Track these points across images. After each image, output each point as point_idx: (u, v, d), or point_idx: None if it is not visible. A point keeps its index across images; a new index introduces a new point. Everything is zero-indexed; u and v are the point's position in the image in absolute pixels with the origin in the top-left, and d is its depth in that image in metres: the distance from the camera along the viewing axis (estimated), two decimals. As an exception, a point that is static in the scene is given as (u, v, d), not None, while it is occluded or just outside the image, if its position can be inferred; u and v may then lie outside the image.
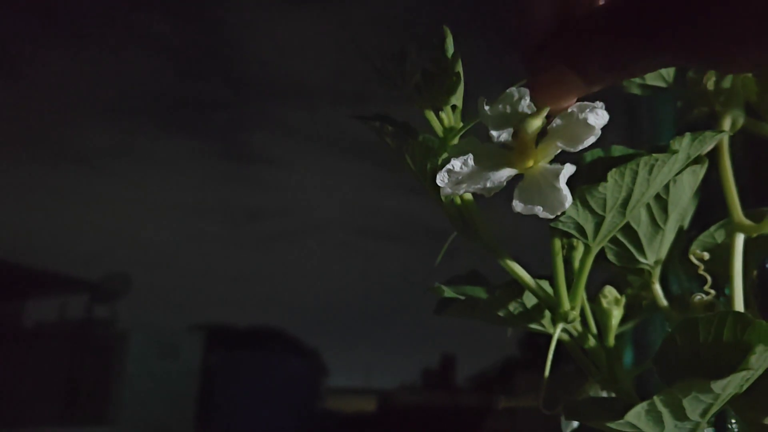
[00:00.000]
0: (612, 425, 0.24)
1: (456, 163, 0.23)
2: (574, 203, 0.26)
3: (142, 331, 5.63)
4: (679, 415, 0.24)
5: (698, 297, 0.34)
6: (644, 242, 0.33)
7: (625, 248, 0.33)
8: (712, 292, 0.34)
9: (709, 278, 0.34)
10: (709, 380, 0.23)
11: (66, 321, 5.99)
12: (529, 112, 0.24)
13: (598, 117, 0.22)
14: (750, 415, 0.27)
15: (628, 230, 0.33)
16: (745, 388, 0.25)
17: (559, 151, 0.23)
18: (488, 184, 0.23)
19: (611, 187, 0.26)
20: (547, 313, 0.30)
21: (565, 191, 0.22)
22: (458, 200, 0.28)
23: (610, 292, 0.32)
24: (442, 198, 0.27)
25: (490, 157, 0.24)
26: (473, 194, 0.28)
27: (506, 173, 0.23)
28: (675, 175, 0.30)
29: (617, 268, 0.35)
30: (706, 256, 0.35)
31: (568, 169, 0.22)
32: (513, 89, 0.24)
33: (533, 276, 0.29)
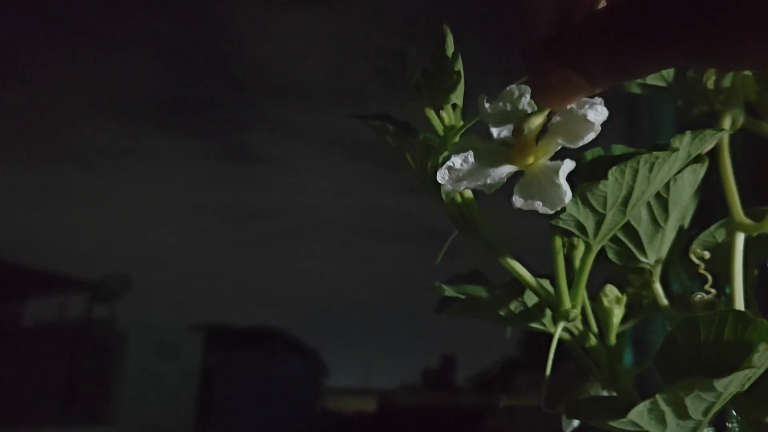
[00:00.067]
0: (615, 424, 0.24)
1: (456, 160, 0.24)
2: (574, 201, 0.26)
3: (141, 331, 5.63)
4: (682, 413, 0.24)
5: (699, 296, 0.34)
6: (645, 241, 0.33)
7: (625, 247, 0.33)
8: (713, 291, 0.34)
9: (709, 277, 0.34)
10: (711, 379, 0.23)
11: (65, 321, 5.99)
12: (529, 110, 0.24)
13: (597, 113, 0.22)
14: (752, 413, 0.27)
15: (629, 229, 0.33)
16: (746, 386, 0.25)
17: (559, 147, 0.23)
18: (489, 181, 0.23)
19: (612, 184, 0.26)
20: (548, 312, 0.30)
21: (565, 187, 0.22)
22: (458, 198, 0.28)
23: (611, 290, 0.32)
24: (443, 196, 0.27)
25: (491, 154, 0.24)
26: (474, 192, 0.28)
27: (506, 170, 0.23)
28: (675, 174, 0.30)
29: (618, 267, 0.35)
30: (707, 255, 0.35)
31: (568, 165, 0.22)
32: (513, 87, 0.24)
33: (534, 275, 0.29)
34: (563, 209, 0.26)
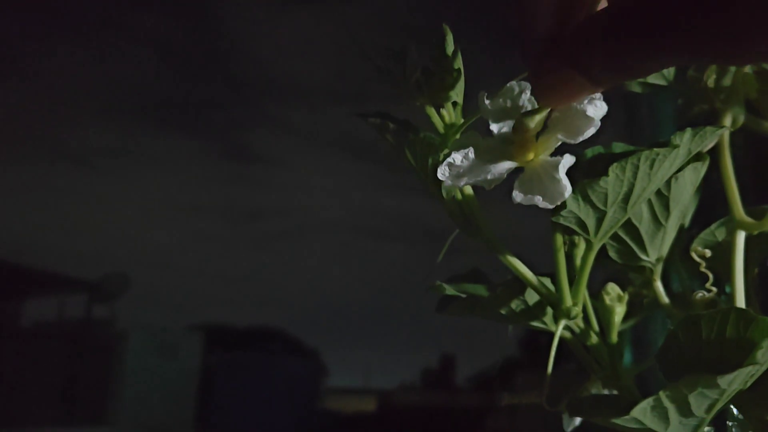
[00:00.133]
0: (618, 421, 0.24)
1: (457, 157, 0.24)
2: (575, 198, 0.26)
3: (141, 330, 5.62)
4: (685, 411, 0.24)
5: (700, 294, 0.34)
6: (646, 239, 0.33)
7: (626, 245, 0.33)
8: (714, 289, 0.34)
9: (710, 276, 0.34)
10: (715, 375, 0.23)
11: (65, 321, 6.00)
12: (529, 107, 0.24)
13: (596, 108, 0.22)
14: (754, 412, 0.27)
15: (630, 227, 0.33)
16: (749, 384, 0.25)
17: (559, 143, 0.23)
18: (489, 177, 0.23)
19: (612, 181, 0.26)
20: (549, 310, 0.30)
21: (565, 181, 0.22)
22: (459, 195, 0.28)
23: (612, 288, 0.32)
24: (443, 194, 0.27)
25: (491, 150, 0.24)
26: (474, 190, 0.28)
27: (507, 166, 0.23)
28: (677, 172, 0.30)
29: (618, 266, 0.35)
30: (708, 253, 0.35)
31: (568, 160, 0.22)
32: (513, 83, 0.24)
33: (535, 274, 0.29)
34: (564, 206, 0.26)
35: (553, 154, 0.23)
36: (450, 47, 0.27)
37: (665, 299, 0.35)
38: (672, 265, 0.38)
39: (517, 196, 0.23)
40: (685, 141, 0.27)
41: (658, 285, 0.35)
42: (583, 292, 0.29)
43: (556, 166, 0.22)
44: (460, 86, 0.28)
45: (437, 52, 0.27)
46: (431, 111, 0.28)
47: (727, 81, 0.36)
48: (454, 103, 0.28)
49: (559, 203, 0.22)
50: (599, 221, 0.27)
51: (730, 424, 0.34)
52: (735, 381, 0.23)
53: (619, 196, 0.26)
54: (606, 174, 0.26)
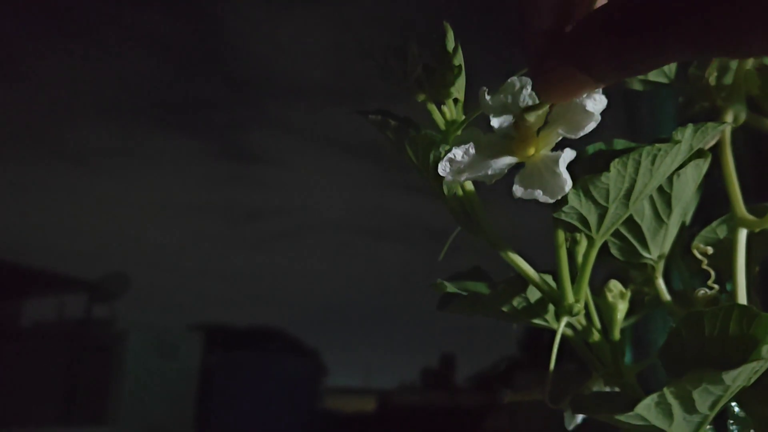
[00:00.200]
0: (621, 418, 0.24)
1: (458, 152, 0.24)
2: (577, 194, 0.26)
3: (141, 330, 5.62)
4: (689, 407, 0.24)
5: (701, 292, 0.34)
6: (648, 237, 0.33)
7: (628, 243, 0.33)
8: (716, 287, 0.34)
9: (712, 273, 0.34)
10: (720, 371, 0.23)
11: (64, 321, 5.99)
12: (530, 102, 0.24)
13: (596, 102, 0.22)
14: (757, 408, 0.27)
15: (632, 224, 0.33)
16: (753, 380, 0.24)
17: (560, 138, 0.23)
18: (490, 172, 0.23)
19: (614, 177, 0.26)
20: (551, 308, 0.29)
21: (566, 176, 0.22)
22: (460, 191, 0.28)
23: (615, 285, 0.32)
24: (444, 190, 0.27)
25: (492, 146, 0.24)
26: (475, 186, 0.28)
27: (507, 161, 0.23)
28: (678, 169, 0.30)
29: (619, 263, 0.35)
30: (710, 250, 0.35)
31: (568, 154, 0.22)
32: (514, 78, 0.24)
33: (537, 271, 0.29)
34: (565, 202, 0.26)
35: (553, 149, 0.23)
36: (451, 44, 0.27)
37: (667, 297, 0.35)
38: (673, 262, 0.37)
39: (518, 190, 0.23)
40: (687, 137, 0.27)
41: (660, 282, 0.35)
42: (585, 289, 0.29)
43: (556, 161, 0.22)
44: (461, 83, 0.28)
45: (438, 48, 0.27)
46: (432, 107, 0.28)
47: (728, 78, 0.36)
48: (455, 100, 0.28)
49: (559, 197, 0.22)
50: (601, 217, 0.27)
51: (731, 423, 0.34)
52: (739, 377, 0.23)
53: (621, 192, 0.26)
54: (607, 170, 0.26)
